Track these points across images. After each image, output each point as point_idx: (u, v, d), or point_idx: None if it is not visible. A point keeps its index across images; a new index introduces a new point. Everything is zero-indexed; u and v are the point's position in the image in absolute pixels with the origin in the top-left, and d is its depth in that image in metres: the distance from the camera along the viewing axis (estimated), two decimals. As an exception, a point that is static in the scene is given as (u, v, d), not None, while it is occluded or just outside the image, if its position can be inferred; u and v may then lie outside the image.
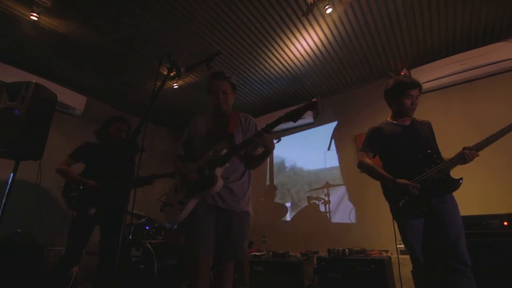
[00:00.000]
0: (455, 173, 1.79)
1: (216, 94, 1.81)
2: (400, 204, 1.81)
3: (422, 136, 1.93)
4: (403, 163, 1.86)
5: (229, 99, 1.85)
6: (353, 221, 3.68)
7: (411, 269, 1.85)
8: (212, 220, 1.66)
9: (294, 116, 1.59)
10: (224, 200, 1.68)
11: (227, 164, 1.68)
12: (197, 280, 1.54)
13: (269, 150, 1.69)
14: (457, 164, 1.76)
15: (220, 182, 1.63)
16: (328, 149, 4.16)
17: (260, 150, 1.80)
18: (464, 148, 1.75)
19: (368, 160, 1.97)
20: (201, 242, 1.58)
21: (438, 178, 1.75)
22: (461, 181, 1.75)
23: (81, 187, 2.39)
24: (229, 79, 1.84)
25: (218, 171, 1.66)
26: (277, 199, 4.49)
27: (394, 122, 2.01)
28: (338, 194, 3.92)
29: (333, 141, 4.16)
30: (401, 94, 1.93)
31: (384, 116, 2.14)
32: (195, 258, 1.56)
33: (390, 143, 1.94)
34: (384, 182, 1.91)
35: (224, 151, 1.68)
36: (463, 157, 1.73)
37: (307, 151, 4.40)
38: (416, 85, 1.93)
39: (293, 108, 1.61)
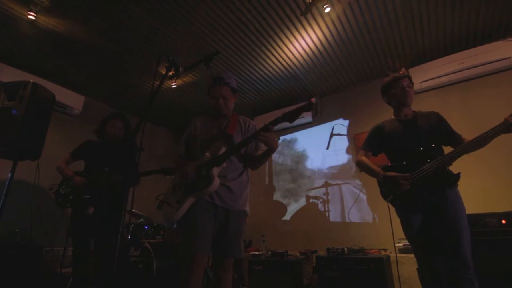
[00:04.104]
0: (454, 169, 1.75)
1: (216, 100, 1.84)
2: (388, 199, 1.80)
3: (421, 129, 1.88)
4: (403, 160, 1.84)
5: (229, 104, 1.88)
6: (352, 220, 3.69)
7: (417, 267, 1.81)
8: (210, 218, 1.67)
9: (291, 116, 1.60)
10: (221, 198, 1.70)
11: (224, 164, 1.70)
12: (191, 277, 1.54)
13: (272, 149, 1.70)
14: (477, 148, 1.68)
15: (216, 182, 1.64)
16: (327, 148, 4.17)
17: (261, 151, 1.81)
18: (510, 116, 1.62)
19: (363, 158, 2.00)
20: (198, 239, 1.59)
21: (433, 174, 1.71)
22: (459, 174, 1.70)
23: (70, 183, 2.41)
24: (229, 84, 1.85)
25: (215, 171, 1.67)
26: (276, 198, 4.50)
27: (395, 118, 2.03)
28: (337, 193, 3.93)
29: (332, 140, 4.17)
30: (392, 87, 1.98)
31: (383, 115, 2.15)
32: (192, 255, 1.57)
33: (390, 140, 1.95)
34: (376, 177, 1.89)
35: (223, 150, 1.70)
36: (508, 126, 1.60)
37: (306, 150, 4.41)
38: (402, 76, 1.98)
39: (290, 108, 1.62)
